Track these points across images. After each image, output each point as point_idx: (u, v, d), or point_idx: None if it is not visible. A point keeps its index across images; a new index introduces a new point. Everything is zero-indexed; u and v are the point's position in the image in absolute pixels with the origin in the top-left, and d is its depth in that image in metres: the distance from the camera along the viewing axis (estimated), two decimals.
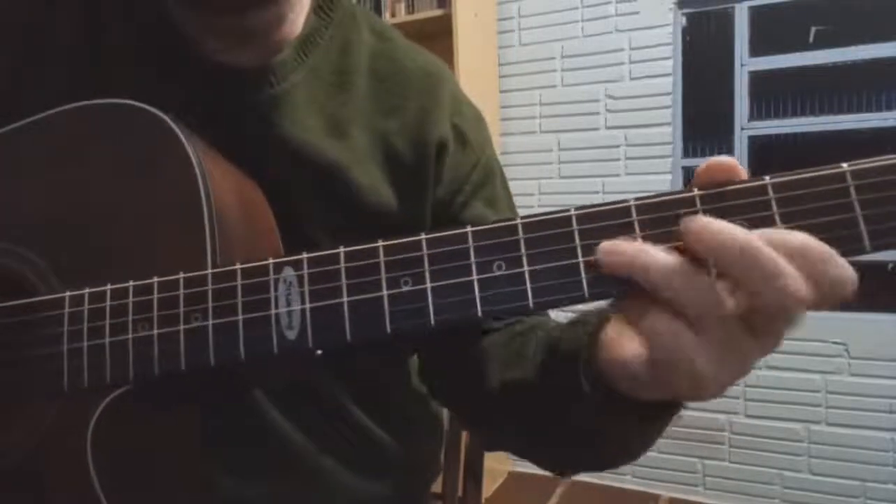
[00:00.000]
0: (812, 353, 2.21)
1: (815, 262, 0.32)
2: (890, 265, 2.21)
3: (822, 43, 2.27)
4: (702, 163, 0.37)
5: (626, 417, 0.42)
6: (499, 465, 2.63)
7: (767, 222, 0.34)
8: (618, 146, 2.45)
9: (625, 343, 0.38)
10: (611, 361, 0.39)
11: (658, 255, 0.33)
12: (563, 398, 0.46)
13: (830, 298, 0.32)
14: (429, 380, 0.68)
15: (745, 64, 2.36)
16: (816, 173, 0.33)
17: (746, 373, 0.35)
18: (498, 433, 0.61)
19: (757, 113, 2.37)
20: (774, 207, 0.34)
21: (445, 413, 0.86)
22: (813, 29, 2.28)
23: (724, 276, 0.33)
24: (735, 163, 0.36)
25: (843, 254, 0.32)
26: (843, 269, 0.32)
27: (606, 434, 0.47)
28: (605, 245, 0.35)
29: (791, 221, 0.33)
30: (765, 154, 2.34)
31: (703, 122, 2.41)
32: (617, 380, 0.39)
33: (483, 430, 0.67)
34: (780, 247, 0.32)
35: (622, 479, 2.52)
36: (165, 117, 0.47)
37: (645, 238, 0.35)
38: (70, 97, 0.49)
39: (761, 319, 0.33)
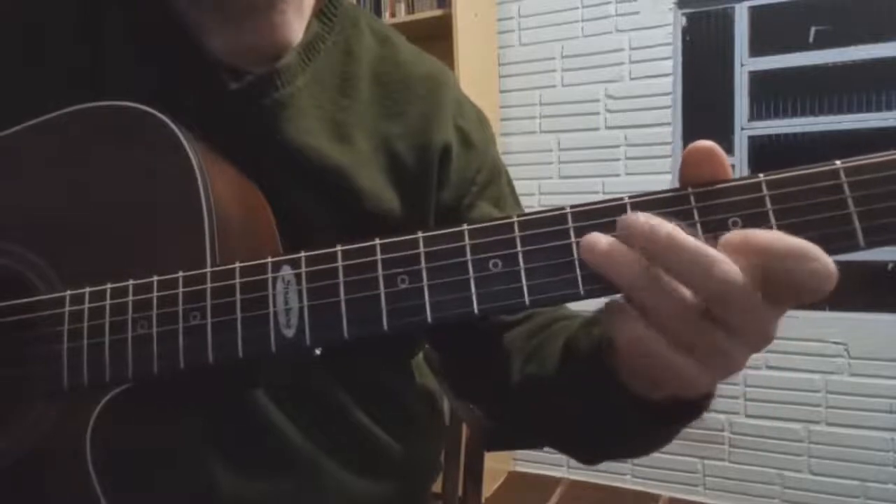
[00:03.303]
0: (812, 353, 2.21)
1: (779, 258, 0.32)
2: (890, 265, 2.21)
3: (822, 43, 2.27)
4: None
5: (642, 416, 0.42)
6: (499, 465, 2.63)
7: (762, 220, 0.34)
8: (618, 146, 2.45)
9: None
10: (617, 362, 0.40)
11: (628, 255, 0.34)
12: (583, 398, 0.47)
13: (807, 294, 0.33)
14: (450, 377, 0.69)
15: (745, 64, 2.36)
16: (810, 171, 0.34)
17: (739, 368, 0.36)
18: (520, 428, 0.62)
19: (757, 113, 2.37)
20: (769, 205, 0.34)
21: (446, 411, 0.86)
22: (813, 29, 2.27)
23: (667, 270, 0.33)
24: (712, 147, 0.36)
25: (838, 250, 0.32)
26: (816, 262, 0.32)
27: (625, 431, 0.47)
28: (584, 240, 0.35)
29: (785, 219, 0.33)
30: (765, 154, 2.34)
31: (703, 122, 2.41)
32: (627, 379, 0.40)
33: (506, 424, 0.68)
34: (733, 244, 0.33)
35: (622, 478, 2.52)
36: (167, 119, 0.47)
37: None
38: (70, 98, 0.49)
39: (720, 312, 0.33)
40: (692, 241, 0.32)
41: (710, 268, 0.32)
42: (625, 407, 0.42)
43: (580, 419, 0.50)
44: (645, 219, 0.33)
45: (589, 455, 0.56)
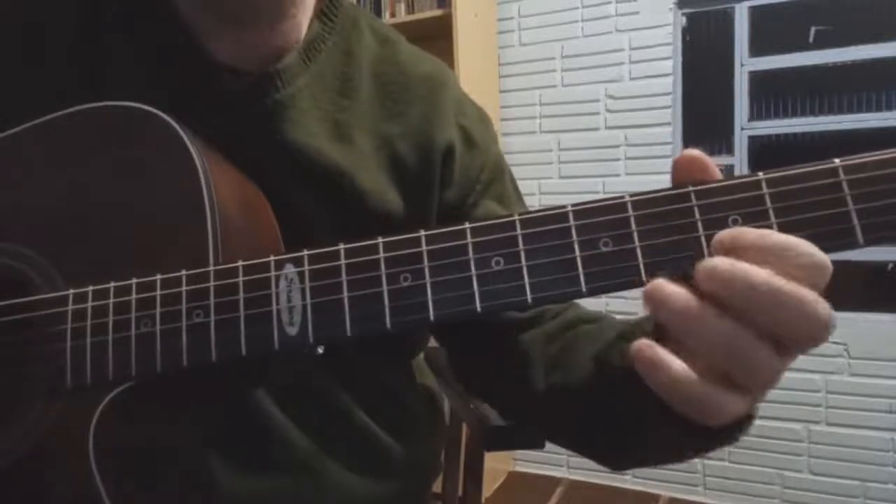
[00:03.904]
0: (812, 353, 2.17)
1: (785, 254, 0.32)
2: (890, 265, 2.21)
3: (822, 43, 2.27)
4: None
5: (682, 431, 0.41)
6: (499, 465, 2.63)
7: (762, 217, 0.34)
8: (618, 146, 2.45)
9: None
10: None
11: (714, 314, 0.33)
12: (617, 414, 0.47)
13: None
14: (465, 377, 0.69)
15: (745, 64, 2.37)
16: (809, 169, 0.34)
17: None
18: (544, 431, 0.62)
19: (757, 113, 2.37)
20: (768, 202, 0.34)
21: (446, 411, 0.86)
22: (813, 29, 2.28)
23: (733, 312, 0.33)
24: (699, 155, 0.36)
25: (837, 248, 0.32)
26: (811, 256, 0.32)
27: (664, 444, 0.46)
28: (671, 300, 0.33)
29: (785, 216, 0.34)
30: (765, 154, 2.34)
31: (703, 122, 2.41)
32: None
33: (525, 426, 0.67)
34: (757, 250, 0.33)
35: (622, 478, 2.52)
36: (169, 119, 0.47)
37: (642, 233, 0.35)
38: (70, 98, 0.49)
39: (796, 345, 0.34)
40: (792, 285, 0.31)
41: (815, 310, 0.31)
42: (664, 423, 0.41)
43: (614, 432, 0.50)
44: (743, 273, 0.32)
45: (619, 464, 0.56)
